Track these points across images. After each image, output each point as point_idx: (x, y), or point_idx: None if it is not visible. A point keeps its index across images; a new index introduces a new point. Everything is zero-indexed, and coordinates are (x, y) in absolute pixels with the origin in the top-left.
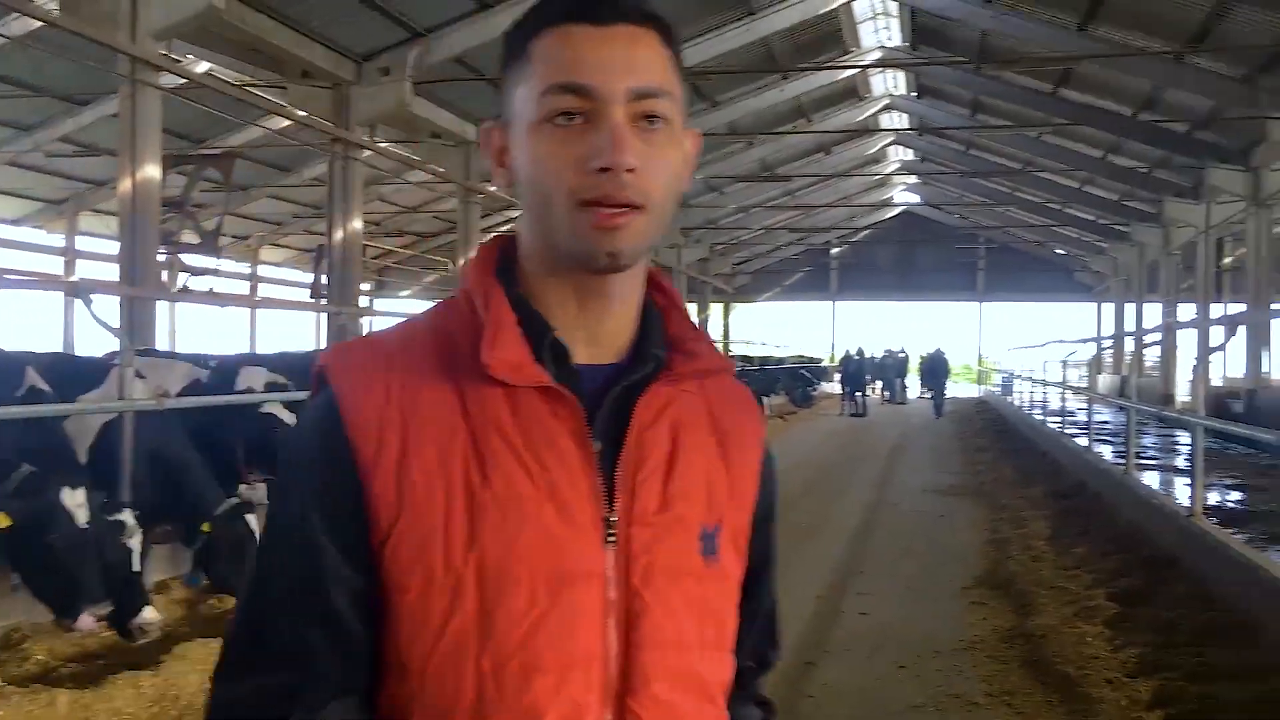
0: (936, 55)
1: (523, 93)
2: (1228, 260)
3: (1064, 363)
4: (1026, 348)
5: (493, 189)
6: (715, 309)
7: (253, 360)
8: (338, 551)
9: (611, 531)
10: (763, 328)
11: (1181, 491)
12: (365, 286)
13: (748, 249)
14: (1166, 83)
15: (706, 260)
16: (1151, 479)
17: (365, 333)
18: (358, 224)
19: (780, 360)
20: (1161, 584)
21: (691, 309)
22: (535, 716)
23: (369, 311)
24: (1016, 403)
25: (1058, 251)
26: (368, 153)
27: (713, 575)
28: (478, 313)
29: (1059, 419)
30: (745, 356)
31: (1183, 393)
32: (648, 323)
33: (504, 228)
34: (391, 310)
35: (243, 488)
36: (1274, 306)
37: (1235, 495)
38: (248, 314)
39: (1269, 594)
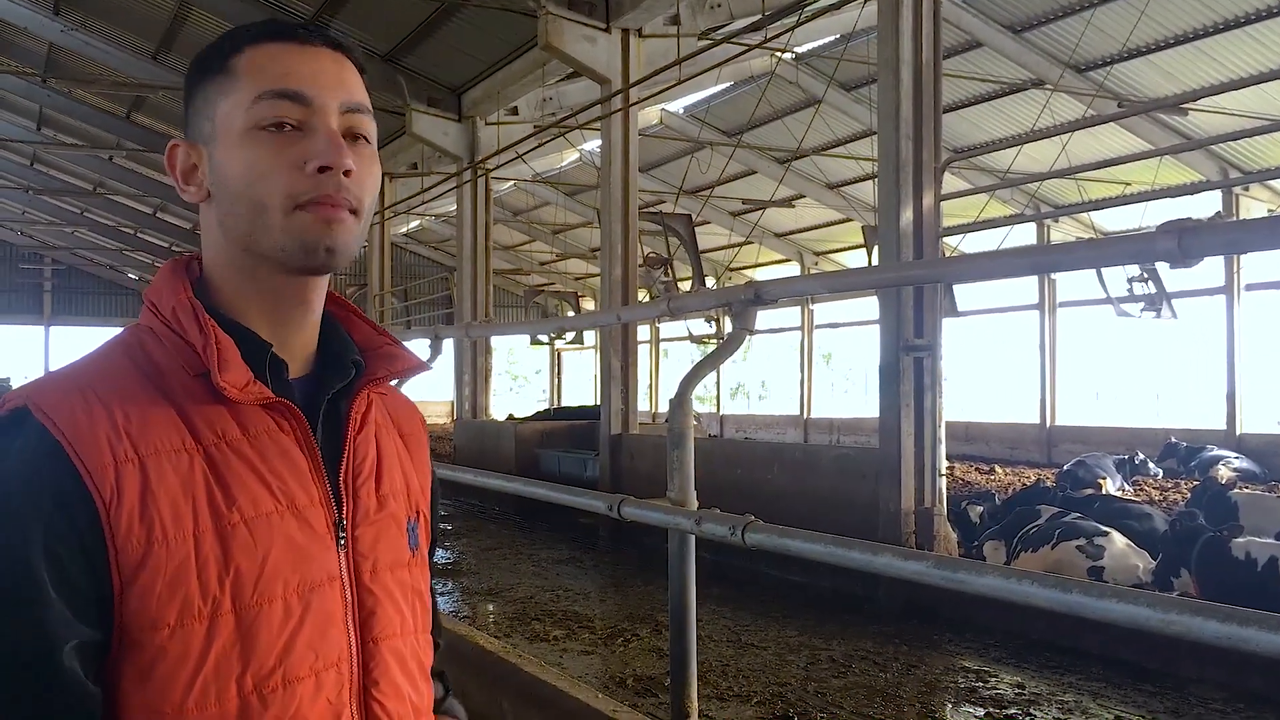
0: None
1: (227, 106)
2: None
3: None
4: None
5: None
6: None
7: None
8: (67, 606)
9: (341, 535)
10: None
11: None
12: None
13: None
14: None
15: None
16: None
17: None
18: None
19: None
20: None
21: None
22: None
23: None
24: None
25: (131, 276)
26: None
27: (417, 564)
28: (183, 336)
29: None
30: None
31: None
32: (326, 331)
33: None
34: None
35: None
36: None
37: None
38: None
39: None
